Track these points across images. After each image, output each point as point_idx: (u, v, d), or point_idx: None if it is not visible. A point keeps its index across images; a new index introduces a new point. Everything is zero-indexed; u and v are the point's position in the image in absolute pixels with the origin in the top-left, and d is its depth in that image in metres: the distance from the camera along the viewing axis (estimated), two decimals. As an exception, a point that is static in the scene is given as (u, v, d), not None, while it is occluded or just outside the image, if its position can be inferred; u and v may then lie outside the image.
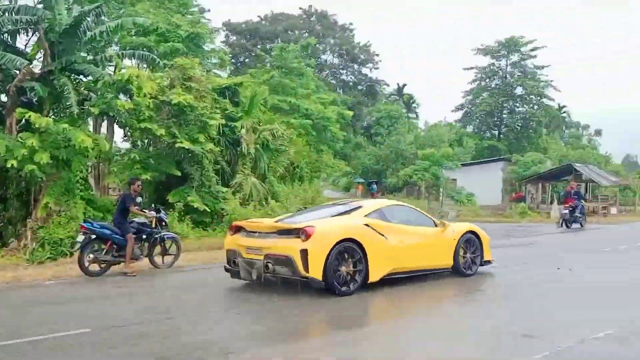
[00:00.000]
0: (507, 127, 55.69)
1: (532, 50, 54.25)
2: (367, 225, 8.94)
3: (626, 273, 11.23)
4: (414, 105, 63.29)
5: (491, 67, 56.20)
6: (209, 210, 17.02)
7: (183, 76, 18.20)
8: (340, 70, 58.46)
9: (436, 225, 10.11)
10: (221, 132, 18.94)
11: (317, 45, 50.54)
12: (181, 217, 16.12)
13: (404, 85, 63.94)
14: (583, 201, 23.85)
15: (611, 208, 33.92)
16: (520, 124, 55.09)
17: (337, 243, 8.29)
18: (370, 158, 45.05)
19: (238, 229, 9.39)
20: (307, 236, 8.15)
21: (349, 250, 8.45)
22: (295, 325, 7.07)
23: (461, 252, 10.20)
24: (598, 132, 79.87)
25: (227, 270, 9.35)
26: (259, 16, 56.91)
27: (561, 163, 38.68)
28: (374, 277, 8.66)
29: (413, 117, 60.76)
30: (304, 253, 8.05)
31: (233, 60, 51.05)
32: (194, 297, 8.81)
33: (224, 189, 18.28)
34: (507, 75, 55.74)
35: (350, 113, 39.90)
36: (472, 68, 56.83)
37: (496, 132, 56.94)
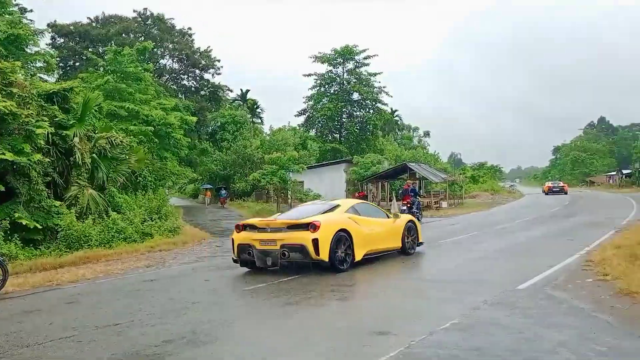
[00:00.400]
0: (347, 130, 58.10)
1: (365, 58, 57.28)
2: (349, 218, 11.54)
3: (461, 263, 12.16)
4: (258, 110, 63.60)
5: (329, 74, 58.24)
6: (40, 227, 15.37)
7: (2, 81, 16.27)
8: (181, 76, 56.51)
9: (389, 217, 13.03)
10: (50, 141, 17.25)
11: (155, 50, 48.35)
12: (8, 237, 14.34)
13: (247, 90, 64.05)
14: (419, 197, 25.64)
15: (442, 202, 36.96)
16: (358, 128, 57.80)
17: (336, 232, 10.77)
18: (217, 164, 44.31)
19: (244, 227, 11.57)
20: (316, 228, 10.52)
21: (342, 238, 10.94)
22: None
23: (406, 236, 13.03)
24: (427, 134, 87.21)
25: (236, 261, 11.62)
26: (88, 18, 53.04)
27: (397, 163, 41.25)
28: (357, 257, 11.23)
29: (258, 122, 61.00)
30: (315, 241, 10.42)
31: (62, 64, 46.97)
32: (26, 328, 7.72)
33: (57, 203, 16.66)
34: (345, 82, 58.16)
35: (194, 119, 38.76)
36: (311, 75, 58.53)
37: (337, 135, 59.17)
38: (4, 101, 15.22)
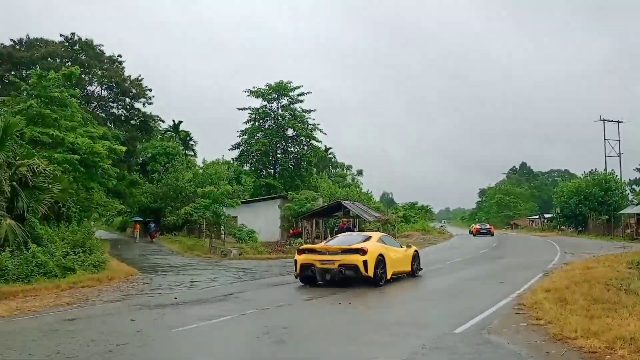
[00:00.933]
0: (281, 166, 58.01)
1: (299, 95, 57.93)
2: (382, 246, 15.02)
3: (397, 304, 12.14)
4: (191, 142, 62.50)
5: (264, 109, 58.30)
6: (-50, 260, 14.10)
7: None
8: (110, 104, 54.55)
9: (401, 247, 16.73)
10: (-34, 167, 16.10)
11: (83, 76, 46.63)
12: None
13: (180, 122, 62.92)
14: (354, 236, 25.54)
15: (375, 241, 37.05)
16: (293, 164, 57.89)
17: (377, 256, 14.31)
18: (147, 196, 42.96)
19: (304, 251, 15.16)
20: (365, 252, 14.06)
21: (381, 261, 14.42)
22: None
23: (413, 262, 16.70)
24: (360, 172, 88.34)
25: (297, 276, 14.92)
26: (12, 40, 50.52)
27: (331, 200, 41.28)
28: (388, 276, 14.81)
29: (191, 155, 59.81)
30: (365, 262, 13.91)
31: (-19, 87, 44.47)
32: None
33: (-29, 234, 15.42)
34: (279, 117, 58.37)
35: (123, 148, 37.33)
36: (246, 109, 58.41)
37: (272, 171, 58.97)
38: None
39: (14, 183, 18.04)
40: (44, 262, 16.27)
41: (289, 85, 57.42)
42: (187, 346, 8.18)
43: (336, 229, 29.02)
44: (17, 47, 50.01)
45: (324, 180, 52.72)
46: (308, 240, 35.25)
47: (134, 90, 53.33)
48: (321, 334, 8.97)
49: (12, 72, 44.34)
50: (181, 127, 63.24)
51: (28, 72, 41.28)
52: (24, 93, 33.70)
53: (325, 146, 68.88)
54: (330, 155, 73.14)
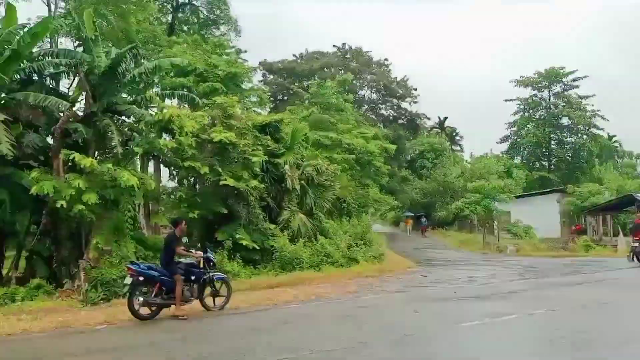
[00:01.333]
0: (557, 157, 53.85)
1: (573, 80, 53.01)
2: None
3: None
4: (457, 137, 62.09)
5: (533, 99, 54.98)
6: (257, 248, 16.40)
7: (223, 114, 17.91)
8: (379, 105, 57.76)
9: None
10: (264, 168, 18.42)
11: (354, 82, 49.97)
12: (230, 256, 15.54)
13: (445, 118, 62.99)
14: (654, 234, 21.88)
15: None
16: (570, 155, 53.25)
17: None
18: (418, 192, 44.07)
19: None
20: None
21: None
22: None
23: None
24: (656, 162, 75.64)
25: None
26: (294, 55, 56.99)
27: (619, 194, 36.37)
28: None
29: (457, 150, 59.46)
30: None
31: (271, 98, 50.96)
32: (246, 345, 7.86)
33: (272, 226, 17.66)
34: (551, 106, 54.30)
35: (394, 147, 38.86)
36: (513, 99, 55.72)
37: (546, 163, 55.08)
38: (225, 132, 16.71)
39: (302, 182, 20.00)
40: (331, 253, 17.68)
41: (561, 71, 53.08)
42: (475, 343, 7.87)
43: (630, 226, 25.20)
44: (298, 61, 56.32)
45: (609, 172, 46.95)
46: (595, 237, 31.71)
47: (400, 91, 55.51)
48: (632, 346, 7.57)
49: (295, 84, 49.93)
50: (446, 123, 63.32)
51: (308, 82, 46.07)
52: (306, 101, 37.55)
53: (608, 134, 61.46)
54: (616, 144, 64.80)
